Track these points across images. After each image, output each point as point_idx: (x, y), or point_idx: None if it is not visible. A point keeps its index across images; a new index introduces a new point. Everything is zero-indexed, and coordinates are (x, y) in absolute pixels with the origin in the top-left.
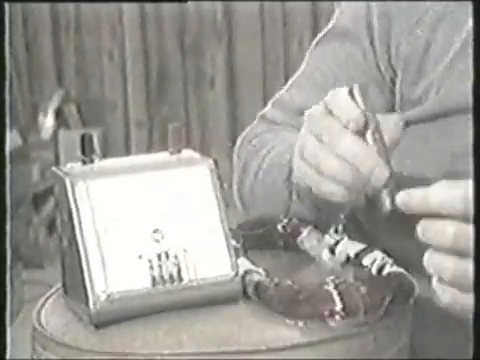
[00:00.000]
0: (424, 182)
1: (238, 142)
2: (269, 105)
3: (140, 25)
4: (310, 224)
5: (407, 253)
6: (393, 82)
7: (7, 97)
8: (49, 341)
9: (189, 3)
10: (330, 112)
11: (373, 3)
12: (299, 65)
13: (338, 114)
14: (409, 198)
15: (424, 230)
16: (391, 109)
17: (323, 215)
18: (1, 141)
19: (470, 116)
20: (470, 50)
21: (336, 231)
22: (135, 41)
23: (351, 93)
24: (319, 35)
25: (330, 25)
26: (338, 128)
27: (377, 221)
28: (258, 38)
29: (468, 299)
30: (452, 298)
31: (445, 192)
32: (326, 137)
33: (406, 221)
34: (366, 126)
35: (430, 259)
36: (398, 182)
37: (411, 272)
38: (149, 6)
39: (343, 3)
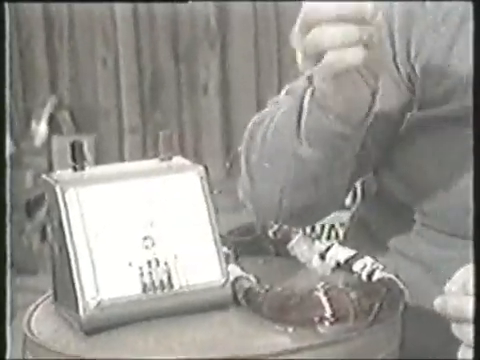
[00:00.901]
0: (449, 182)
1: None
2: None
3: (133, 31)
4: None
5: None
6: (409, 79)
7: (7, 101)
8: (39, 348)
9: (182, 8)
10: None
11: (396, 3)
12: (293, 71)
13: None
14: (445, 305)
15: (458, 332)
16: (407, 105)
17: (330, 162)
18: (1, 144)
19: None
20: None
21: (336, 235)
22: (128, 47)
23: None
24: None
25: None
26: None
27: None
28: (251, 44)
29: None
30: None
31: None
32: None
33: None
34: None
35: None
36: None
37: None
38: (143, 12)
39: None
